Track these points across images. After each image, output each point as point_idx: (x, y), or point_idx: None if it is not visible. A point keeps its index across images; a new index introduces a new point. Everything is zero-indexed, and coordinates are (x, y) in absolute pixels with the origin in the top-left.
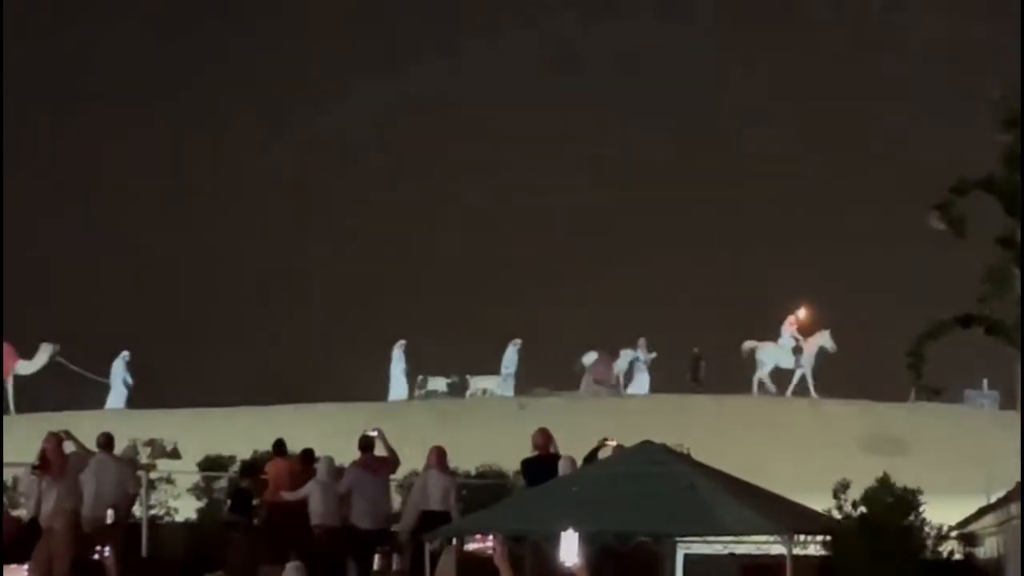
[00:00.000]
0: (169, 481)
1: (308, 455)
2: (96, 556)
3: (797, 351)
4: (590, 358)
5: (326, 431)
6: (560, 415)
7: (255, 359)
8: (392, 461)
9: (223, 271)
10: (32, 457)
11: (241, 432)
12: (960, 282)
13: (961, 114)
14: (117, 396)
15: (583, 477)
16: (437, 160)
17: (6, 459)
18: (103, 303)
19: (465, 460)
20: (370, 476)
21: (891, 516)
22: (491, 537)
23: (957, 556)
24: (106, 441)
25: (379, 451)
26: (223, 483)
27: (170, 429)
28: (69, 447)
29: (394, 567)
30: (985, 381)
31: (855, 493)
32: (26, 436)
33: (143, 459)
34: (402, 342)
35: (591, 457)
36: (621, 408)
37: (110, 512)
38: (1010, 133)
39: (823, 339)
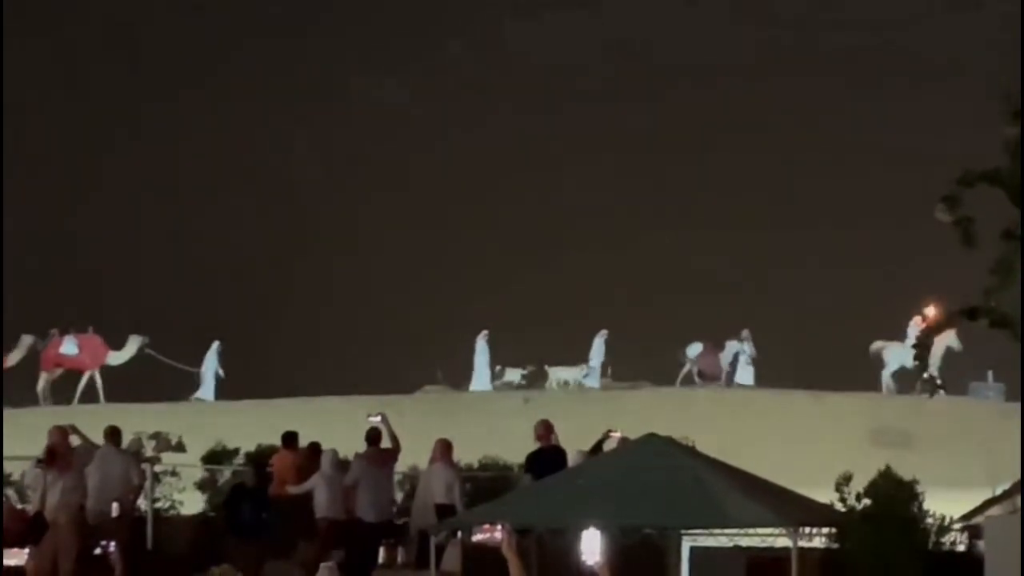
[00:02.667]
0: (174, 474)
1: (314, 448)
2: (100, 550)
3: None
4: (695, 349)
5: (329, 424)
6: (564, 408)
7: (258, 352)
8: (395, 449)
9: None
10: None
11: (245, 426)
12: (968, 275)
13: (973, 106)
14: (207, 387)
15: (588, 470)
16: (515, 143)
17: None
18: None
19: (469, 453)
20: (376, 469)
21: (895, 508)
22: (498, 528)
23: (961, 548)
24: (112, 433)
25: (383, 439)
26: (227, 476)
27: (175, 422)
28: (75, 440)
29: (399, 560)
30: (991, 373)
31: (859, 485)
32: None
33: (148, 452)
34: (485, 332)
35: (596, 449)
36: (625, 401)
37: (115, 505)
38: (1016, 126)
39: (950, 339)
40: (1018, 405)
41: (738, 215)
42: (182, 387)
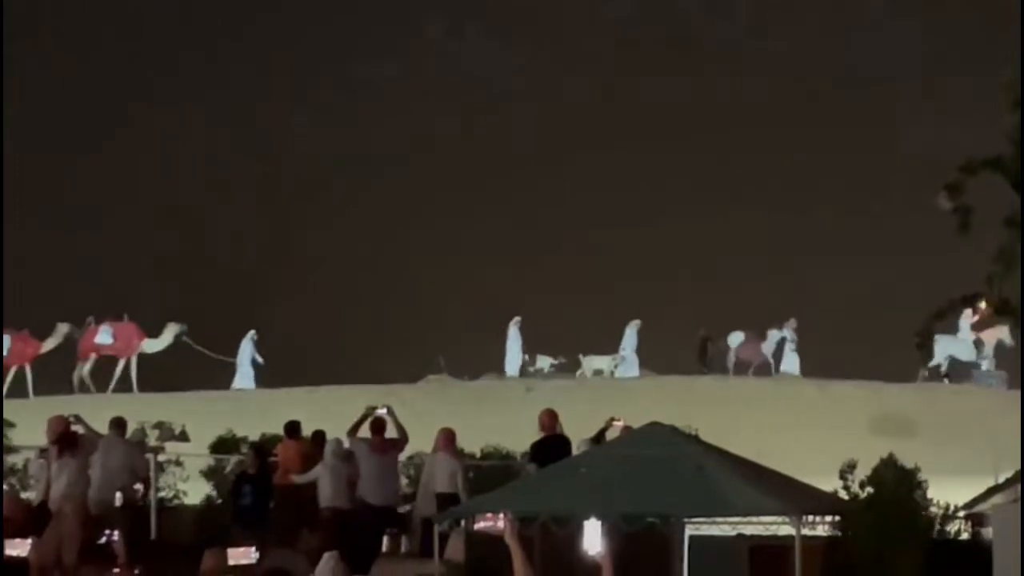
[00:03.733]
0: (178, 464)
1: (318, 438)
2: (104, 539)
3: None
4: (736, 338)
5: (334, 413)
6: (566, 397)
7: (263, 342)
8: (401, 440)
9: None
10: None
11: (251, 415)
12: (970, 262)
13: (975, 94)
14: (245, 376)
15: (591, 458)
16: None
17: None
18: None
19: (472, 443)
20: (378, 456)
21: (898, 496)
22: (501, 516)
23: (964, 536)
24: (117, 424)
25: (389, 430)
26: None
27: (179, 412)
28: (79, 431)
29: (402, 548)
30: (993, 361)
31: (863, 473)
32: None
33: (151, 442)
34: (518, 319)
35: (599, 437)
36: (627, 390)
37: (118, 495)
38: (1016, 114)
39: (1002, 333)
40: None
41: (740, 204)
42: (224, 376)
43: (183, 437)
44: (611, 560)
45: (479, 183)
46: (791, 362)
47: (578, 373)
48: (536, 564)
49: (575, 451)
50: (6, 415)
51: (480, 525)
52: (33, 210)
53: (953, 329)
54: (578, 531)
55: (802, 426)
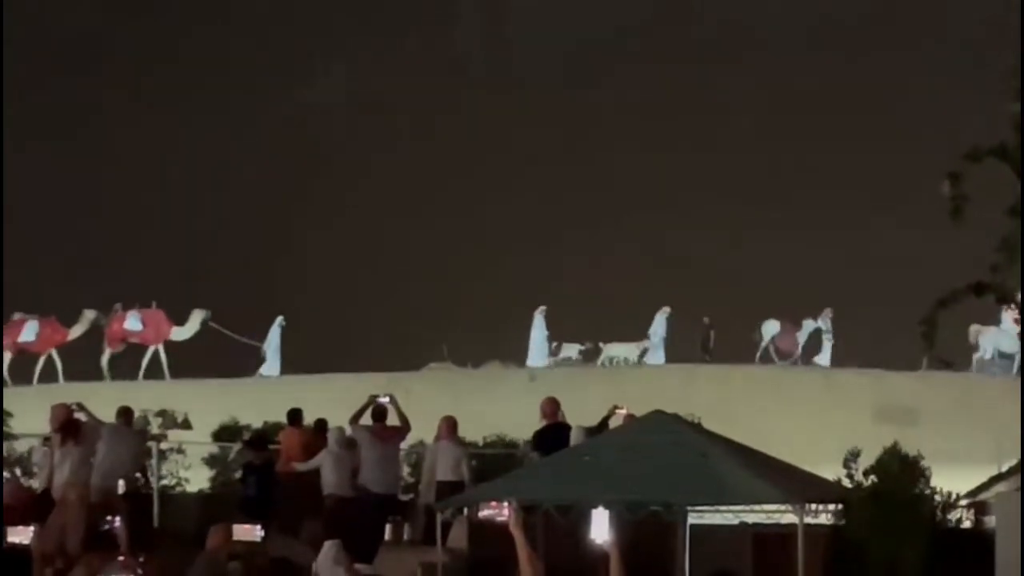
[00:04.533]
0: (180, 451)
1: (320, 425)
2: (107, 526)
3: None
4: (771, 328)
5: (336, 401)
6: (569, 386)
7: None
8: (404, 428)
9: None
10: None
11: (253, 403)
12: (975, 250)
13: (976, 83)
14: (272, 363)
15: (594, 446)
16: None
17: None
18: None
19: (474, 431)
20: (380, 444)
21: (901, 485)
22: (505, 505)
23: (967, 524)
24: (124, 413)
25: (391, 419)
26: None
27: (183, 399)
28: (82, 419)
29: (405, 537)
30: (997, 350)
31: (868, 462)
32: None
33: (154, 429)
34: (542, 307)
35: (602, 424)
36: (630, 378)
37: (120, 483)
38: (1019, 102)
39: None
40: None
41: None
42: (247, 363)
43: (186, 425)
44: (618, 549)
45: (481, 173)
46: (824, 354)
47: (599, 361)
48: (539, 552)
49: (573, 440)
50: (27, 403)
51: (484, 513)
52: (56, 195)
53: (996, 320)
54: (581, 519)
55: (805, 414)
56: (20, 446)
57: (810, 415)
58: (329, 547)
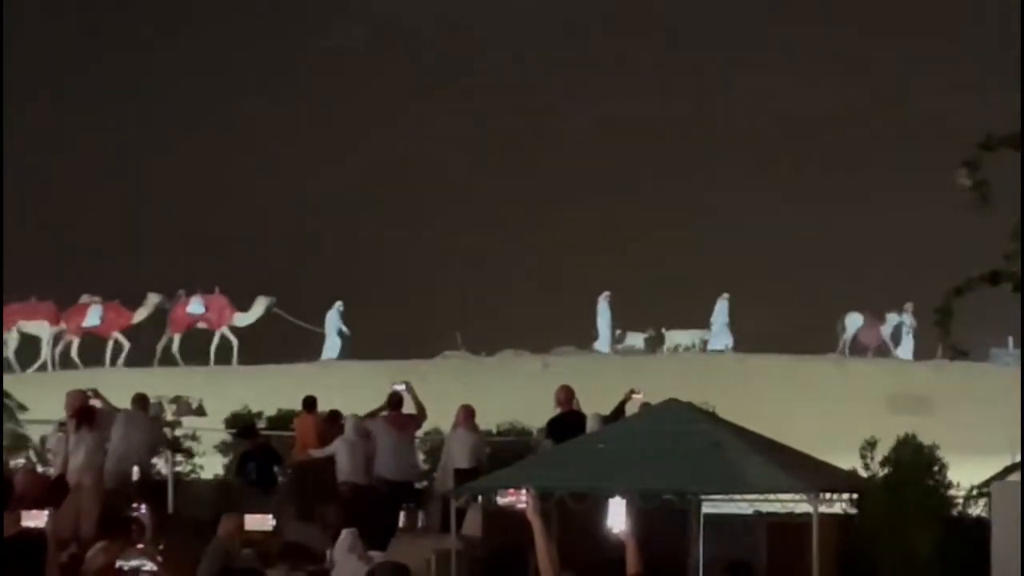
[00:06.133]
0: (194, 438)
1: (335, 413)
2: (133, 513)
3: None
4: (855, 320)
5: (351, 387)
6: (583, 374)
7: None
8: (420, 416)
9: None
10: None
11: (267, 391)
12: (988, 240)
13: (993, 71)
14: (332, 347)
15: (609, 435)
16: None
17: None
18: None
19: (488, 419)
20: (396, 432)
21: (916, 475)
22: (523, 492)
23: (981, 514)
24: (140, 400)
25: (407, 407)
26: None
27: (196, 386)
28: (97, 405)
29: (419, 524)
30: (1011, 339)
31: (881, 452)
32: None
33: (168, 416)
34: (607, 293)
35: (619, 409)
36: (645, 367)
37: (135, 469)
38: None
39: None
40: None
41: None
42: (308, 349)
43: (200, 412)
44: (635, 538)
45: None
46: (906, 347)
47: (665, 348)
48: (553, 540)
49: (588, 428)
50: (44, 389)
51: (504, 501)
52: (122, 181)
53: None
54: (596, 507)
55: (820, 403)
56: (34, 433)
57: (825, 404)
58: (345, 535)
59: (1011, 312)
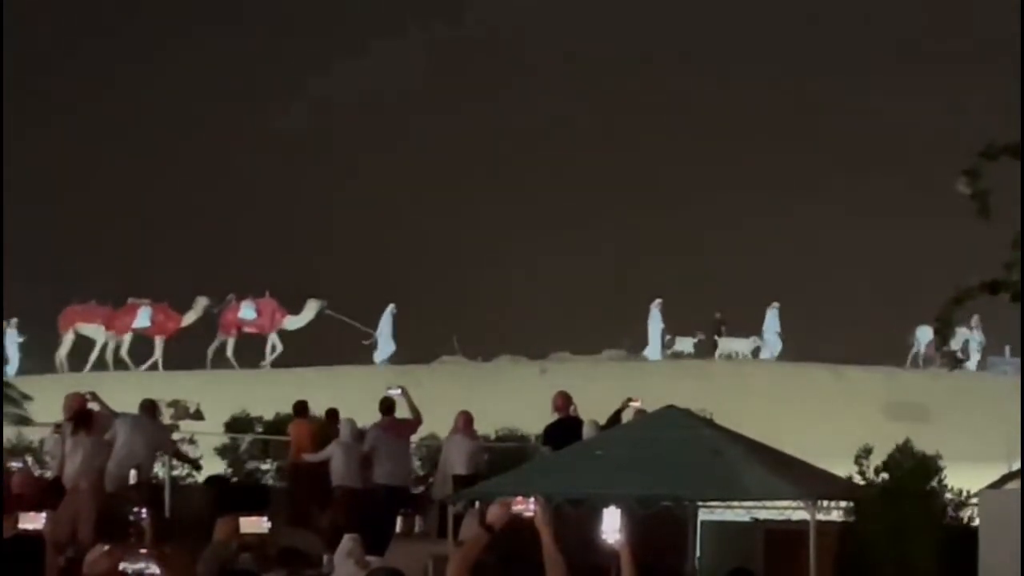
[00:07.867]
0: (192, 442)
1: (331, 416)
2: (133, 517)
3: None
4: (925, 333)
5: (347, 393)
6: (581, 379)
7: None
8: (415, 421)
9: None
10: None
11: (264, 394)
12: (989, 248)
13: (992, 80)
14: (384, 350)
15: (606, 441)
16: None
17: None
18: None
19: (486, 425)
20: (391, 437)
21: (913, 482)
22: (531, 500)
23: (977, 523)
24: (149, 405)
25: (401, 411)
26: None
27: (194, 390)
28: (95, 408)
29: (416, 529)
30: (1008, 348)
31: (878, 460)
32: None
33: (166, 420)
34: (659, 300)
35: (615, 417)
36: (642, 373)
37: (133, 472)
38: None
39: None
40: None
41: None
42: (308, 351)
43: (198, 415)
44: (630, 547)
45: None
46: (974, 360)
47: (717, 354)
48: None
49: (585, 435)
50: (46, 391)
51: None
52: (170, 185)
53: None
54: (592, 514)
55: (816, 411)
56: (33, 435)
57: (822, 412)
58: (346, 541)
59: (1008, 321)
